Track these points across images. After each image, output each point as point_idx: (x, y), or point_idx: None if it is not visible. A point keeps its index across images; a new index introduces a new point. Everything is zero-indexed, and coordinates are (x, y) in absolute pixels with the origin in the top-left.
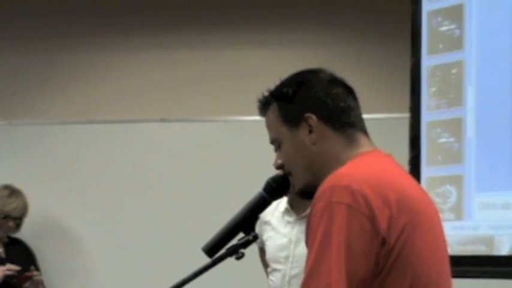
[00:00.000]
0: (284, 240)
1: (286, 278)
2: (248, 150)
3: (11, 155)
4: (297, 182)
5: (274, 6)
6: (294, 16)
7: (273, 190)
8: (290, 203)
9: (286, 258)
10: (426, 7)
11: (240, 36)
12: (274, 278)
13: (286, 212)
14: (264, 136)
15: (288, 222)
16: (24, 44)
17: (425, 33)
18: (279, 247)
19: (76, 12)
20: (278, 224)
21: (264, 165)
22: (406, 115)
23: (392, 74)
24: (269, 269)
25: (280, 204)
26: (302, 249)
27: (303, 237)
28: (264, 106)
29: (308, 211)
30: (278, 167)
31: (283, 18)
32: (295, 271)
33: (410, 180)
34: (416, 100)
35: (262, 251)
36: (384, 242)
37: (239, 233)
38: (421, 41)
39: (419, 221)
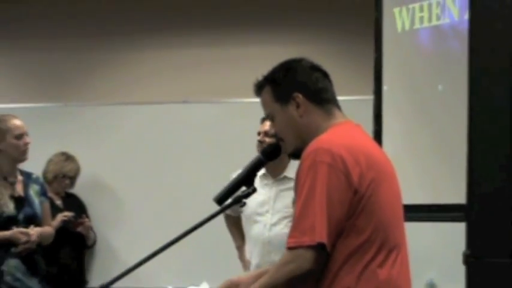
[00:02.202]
0: (264, 198)
1: (267, 226)
2: (255, 126)
3: (66, 129)
4: (288, 146)
5: (266, 14)
6: (280, 22)
7: (268, 154)
8: (266, 169)
9: (267, 211)
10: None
11: (243, 36)
12: (256, 227)
13: (263, 176)
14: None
15: (266, 184)
16: (74, 41)
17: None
18: (259, 203)
19: (118, 15)
20: (257, 186)
21: None
22: (370, 97)
23: (359, 64)
24: (246, 223)
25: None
26: (280, 204)
27: (280, 194)
28: (259, 88)
29: (282, 175)
30: (273, 135)
31: (273, 23)
32: (274, 220)
33: (375, 145)
34: (379, 85)
35: (229, 218)
36: (355, 192)
37: (242, 187)
38: (382, 39)
39: (382, 177)
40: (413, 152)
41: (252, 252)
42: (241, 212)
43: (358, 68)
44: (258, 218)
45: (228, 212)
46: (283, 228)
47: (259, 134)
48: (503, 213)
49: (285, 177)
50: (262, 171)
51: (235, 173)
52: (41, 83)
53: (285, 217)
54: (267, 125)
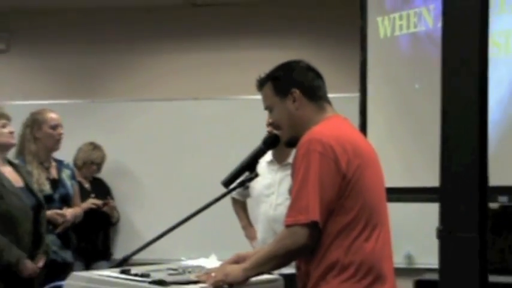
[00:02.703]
0: (270, 181)
1: (273, 206)
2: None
3: (94, 122)
4: (284, 135)
5: (267, 23)
6: (279, 29)
7: (268, 143)
8: (273, 156)
9: (273, 193)
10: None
11: (246, 41)
12: (263, 207)
13: (270, 162)
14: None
15: (272, 170)
16: (101, 47)
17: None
18: (265, 186)
19: (138, 24)
20: (264, 171)
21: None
22: (357, 95)
23: (346, 66)
24: (256, 203)
25: (265, 157)
26: (284, 187)
27: (285, 178)
28: (262, 84)
29: (286, 161)
30: (270, 124)
31: (272, 31)
32: (279, 201)
33: (360, 136)
34: (364, 84)
35: (236, 202)
36: (343, 176)
37: (245, 172)
38: (366, 44)
39: (366, 163)
40: (394, 142)
41: (259, 228)
42: (248, 195)
43: (346, 69)
44: (265, 199)
45: (235, 196)
46: (286, 208)
47: (268, 125)
48: (472, 194)
49: (289, 164)
50: (269, 158)
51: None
52: (72, 82)
53: (288, 198)
54: None
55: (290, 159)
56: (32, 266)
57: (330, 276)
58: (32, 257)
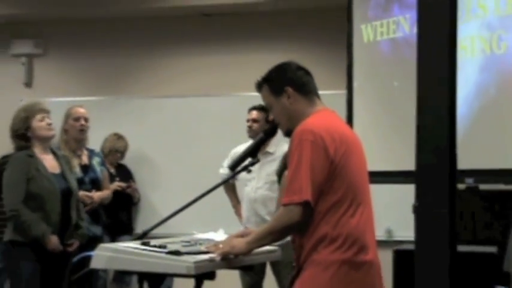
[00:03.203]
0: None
1: (254, 188)
2: None
3: (118, 116)
4: (282, 127)
5: (265, 30)
6: (275, 35)
7: (268, 134)
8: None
9: (254, 178)
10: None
11: (248, 46)
12: (246, 190)
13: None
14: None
15: None
16: (125, 51)
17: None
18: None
19: (159, 31)
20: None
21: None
22: (344, 91)
23: (335, 66)
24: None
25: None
26: (263, 172)
27: (265, 165)
28: (259, 86)
29: (265, 150)
30: (271, 120)
31: (270, 37)
32: (259, 184)
33: (347, 127)
34: (350, 82)
35: (227, 185)
36: (332, 162)
37: (248, 158)
38: (352, 48)
39: (352, 150)
40: (376, 132)
41: (243, 207)
42: (236, 179)
43: (334, 69)
44: (248, 183)
45: (225, 176)
46: (265, 190)
47: (248, 121)
48: (442, 176)
49: (267, 152)
50: None
51: (235, 149)
52: (100, 82)
53: (266, 182)
54: (254, 113)
55: (269, 149)
56: (55, 241)
57: (320, 247)
58: (61, 234)
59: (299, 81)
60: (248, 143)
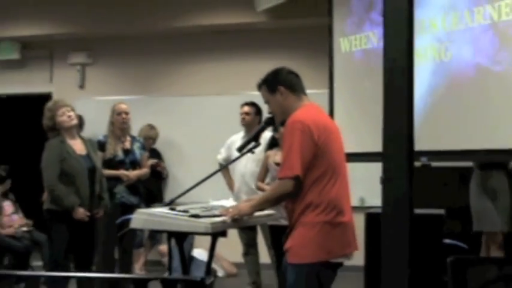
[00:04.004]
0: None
1: (244, 164)
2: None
3: (151, 110)
4: (277, 118)
5: (264, 43)
6: (271, 46)
7: (267, 123)
8: (245, 133)
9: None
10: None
11: (250, 56)
12: (237, 166)
13: (243, 137)
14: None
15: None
16: (156, 58)
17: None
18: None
19: (184, 41)
20: (239, 143)
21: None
22: (326, 90)
23: (319, 70)
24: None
25: (239, 135)
26: (252, 158)
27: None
28: (259, 87)
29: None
30: (270, 113)
31: (269, 47)
32: (249, 162)
33: (329, 118)
34: (331, 83)
35: (221, 167)
36: (316, 145)
37: (252, 142)
38: (333, 56)
39: (332, 137)
40: (351, 122)
41: (236, 180)
42: (229, 161)
43: (319, 73)
44: (238, 162)
45: (221, 162)
46: (253, 166)
47: (241, 114)
48: (403, 155)
49: None
50: (242, 135)
51: (230, 138)
52: (137, 84)
53: (254, 160)
54: (245, 108)
55: None
56: (82, 213)
57: (307, 212)
58: (91, 205)
59: (290, 82)
60: (240, 132)
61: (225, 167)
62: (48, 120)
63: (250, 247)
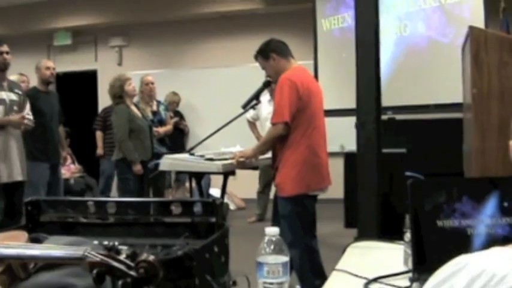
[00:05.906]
0: (270, 109)
1: (269, 126)
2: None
3: (174, 80)
4: (273, 79)
5: (263, 24)
6: (270, 27)
7: (265, 85)
8: (270, 95)
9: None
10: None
11: (250, 34)
12: (266, 123)
13: (270, 100)
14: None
15: (270, 103)
16: (177, 40)
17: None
18: (268, 112)
19: (197, 26)
20: (266, 105)
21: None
22: (312, 61)
23: (305, 45)
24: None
25: (266, 97)
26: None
27: (270, 103)
28: (256, 56)
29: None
30: (267, 76)
31: (266, 27)
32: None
33: (313, 79)
34: (316, 55)
35: (250, 123)
36: (300, 98)
37: (254, 100)
38: (316, 33)
39: (313, 94)
40: (332, 84)
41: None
42: (257, 118)
43: (305, 47)
44: (265, 118)
45: (250, 119)
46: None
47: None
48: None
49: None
50: (269, 98)
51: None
52: (163, 60)
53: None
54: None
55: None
56: (139, 168)
57: (290, 151)
58: (151, 152)
59: (279, 49)
60: (266, 95)
61: (249, 123)
62: (118, 89)
63: (265, 187)
